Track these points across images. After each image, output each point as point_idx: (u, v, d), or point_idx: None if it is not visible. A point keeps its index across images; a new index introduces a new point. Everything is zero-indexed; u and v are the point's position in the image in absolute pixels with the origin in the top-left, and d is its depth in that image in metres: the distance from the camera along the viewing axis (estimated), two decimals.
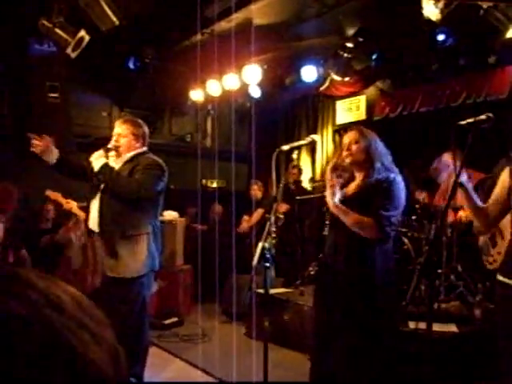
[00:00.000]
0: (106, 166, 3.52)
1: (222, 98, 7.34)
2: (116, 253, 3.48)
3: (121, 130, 3.71)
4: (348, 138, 3.15)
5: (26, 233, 6.39)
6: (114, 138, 3.70)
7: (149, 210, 3.61)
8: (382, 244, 2.98)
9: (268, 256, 2.86)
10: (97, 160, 3.55)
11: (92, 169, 3.56)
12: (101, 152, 3.59)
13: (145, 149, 3.76)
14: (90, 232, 3.75)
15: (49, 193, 4.94)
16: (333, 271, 3.07)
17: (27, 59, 6.09)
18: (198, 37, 5.81)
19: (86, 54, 5.62)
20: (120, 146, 3.66)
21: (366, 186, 3.03)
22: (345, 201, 3.05)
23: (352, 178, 3.20)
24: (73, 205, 4.59)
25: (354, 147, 3.09)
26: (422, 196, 5.38)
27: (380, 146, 3.13)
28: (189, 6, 4.90)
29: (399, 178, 3.04)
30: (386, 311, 3.00)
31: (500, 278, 2.49)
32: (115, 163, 3.65)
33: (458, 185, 2.39)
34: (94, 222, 3.61)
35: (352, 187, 3.14)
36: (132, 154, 3.68)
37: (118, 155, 3.68)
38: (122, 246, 3.49)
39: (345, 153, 3.11)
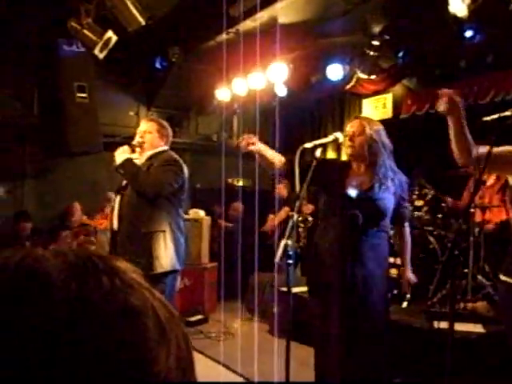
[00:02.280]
0: (127, 161, 3.58)
1: (247, 97, 7.35)
2: (131, 251, 3.50)
3: (146, 127, 3.78)
4: (351, 127, 3.13)
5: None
6: (138, 135, 3.77)
7: (168, 208, 3.63)
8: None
9: (291, 253, 2.87)
10: (120, 155, 3.62)
11: (115, 162, 3.63)
12: (125, 147, 3.65)
13: (166, 147, 3.82)
14: (112, 232, 3.80)
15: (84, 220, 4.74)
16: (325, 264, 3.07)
17: (56, 60, 6.20)
18: (224, 36, 5.83)
19: (114, 54, 5.70)
20: (144, 142, 3.73)
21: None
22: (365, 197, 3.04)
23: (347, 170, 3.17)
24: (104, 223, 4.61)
25: (357, 139, 3.06)
26: (447, 201, 5.32)
27: (386, 141, 3.10)
28: (214, 6, 4.93)
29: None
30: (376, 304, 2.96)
31: (502, 277, 2.46)
32: (138, 159, 3.71)
33: (481, 183, 2.37)
34: (114, 220, 3.67)
35: (364, 181, 3.10)
36: (154, 151, 3.73)
37: (142, 151, 3.74)
38: (137, 244, 3.52)
39: (347, 143, 3.09)
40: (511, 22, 4.99)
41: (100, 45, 5.39)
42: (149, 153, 3.75)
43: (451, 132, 2.52)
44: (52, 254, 0.47)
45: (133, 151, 3.74)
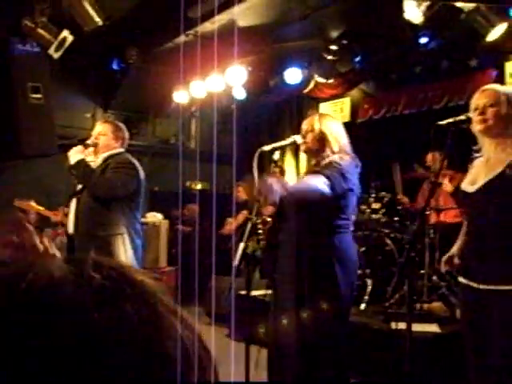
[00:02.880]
0: (81, 161, 3.53)
1: (206, 100, 7.32)
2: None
3: (101, 129, 3.74)
4: (305, 124, 3.14)
5: None
6: (93, 137, 3.72)
7: (124, 211, 3.58)
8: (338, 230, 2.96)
9: (250, 257, 2.86)
10: (74, 155, 3.56)
11: (68, 162, 3.57)
12: (79, 148, 3.59)
13: (122, 150, 3.77)
14: (68, 236, 3.73)
15: (18, 203, 4.54)
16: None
17: (9, 60, 6.02)
18: (182, 38, 5.80)
19: (70, 54, 5.58)
20: (99, 143, 3.68)
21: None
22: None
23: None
24: (61, 214, 4.41)
25: (309, 136, 3.07)
26: (404, 202, 5.41)
27: (339, 135, 3.09)
28: (172, 7, 4.89)
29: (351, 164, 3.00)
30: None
31: (460, 279, 2.53)
32: (93, 162, 3.65)
33: (437, 186, 2.42)
34: (70, 224, 3.60)
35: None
36: (109, 153, 3.68)
37: (96, 153, 3.68)
38: (95, 247, 3.46)
39: (301, 140, 3.10)
40: (464, 30, 5.14)
41: (55, 44, 5.26)
42: (104, 155, 3.70)
43: None
44: (70, 273, 0.43)
45: (85, 151, 3.69)
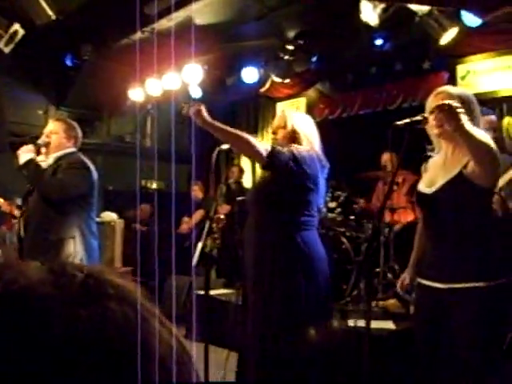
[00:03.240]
0: (31, 161, 3.42)
1: (162, 98, 7.24)
2: (38, 259, 3.33)
3: (53, 127, 3.63)
4: (276, 121, 3.14)
5: None
6: (44, 135, 3.61)
7: (77, 212, 3.49)
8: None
9: (207, 256, 2.84)
10: (24, 154, 3.45)
11: (18, 161, 3.46)
12: (30, 147, 3.48)
13: (74, 149, 3.68)
14: (19, 238, 3.62)
15: None
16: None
17: None
18: (138, 35, 5.71)
19: (21, 49, 5.43)
20: (50, 142, 3.57)
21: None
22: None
23: None
24: (12, 206, 4.31)
25: (279, 132, 3.05)
26: (359, 202, 5.48)
27: (309, 132, 3.09)
28: (129, 3, 4.81)
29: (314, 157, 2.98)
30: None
31: (419, 280, 2.58)
32: (44, 161, 3.55)
33: (392, 186, 2.46)
34: (21, 226, 3.50)
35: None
36: (61, 153, 3.58)
37: (47, 152, 3.58)
38: (45, 251, 3.36)
39: (272, 136, 3.09)
40: (418, 33, 5.25)
41: (6, 38, 5.11)
42: (56, 154, 3.59)
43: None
44: (48, 273, 0.42)
45: (38, 151, 3.58)
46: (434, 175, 2.51)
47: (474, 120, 2.40)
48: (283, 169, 2.84)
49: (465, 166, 2.34)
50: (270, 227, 2.91)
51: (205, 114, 2.79)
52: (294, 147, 2.91)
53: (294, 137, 2.99)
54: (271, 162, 2.82)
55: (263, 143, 2.84)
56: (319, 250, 3.00)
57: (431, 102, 2.48)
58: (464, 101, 2.41)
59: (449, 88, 2.57)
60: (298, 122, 3.06)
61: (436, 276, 2.44)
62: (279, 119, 3.11)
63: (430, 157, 2.65)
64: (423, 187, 2.54)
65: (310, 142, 3.04)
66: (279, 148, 2.86)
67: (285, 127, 3.03)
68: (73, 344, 0.38)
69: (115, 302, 0.41)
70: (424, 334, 2.54)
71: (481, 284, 2.29)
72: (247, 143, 2.84)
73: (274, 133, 3.06)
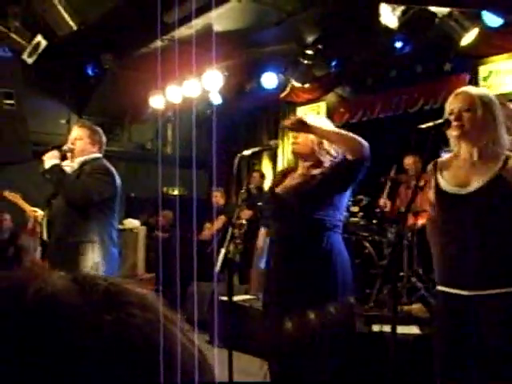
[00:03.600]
0: (55, 166, 3.46)
1: (182, 105, 7.29)
2: (59, 262, 3.37)
3: (77, 133, 3.67)
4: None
5: None
6: (69, 141, 3.65)
7: (99, 218, 3.51)
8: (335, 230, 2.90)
9: (230, 262, 2.83)
10: (49, 159, 3.49)
11: (43, 167, 3.50)
12: (55, 153, 3.52)
13: (98, 155, 3.70)
14: (42, 242, 3.66)
15: (7, 194, 4.75)
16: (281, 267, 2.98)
17: None
18: (158, 43, 5.77)
19: (44, 59, 5.51)
20: (75, 148, 3.61)
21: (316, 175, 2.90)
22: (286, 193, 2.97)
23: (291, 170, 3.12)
24: (39, 213, 4.37)
25: (300, 136, 3.00)
26: (385, 205, 5.41)
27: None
28: (148, 12, 4.86)
29: None
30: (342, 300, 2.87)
31: (441, 288, 2.48)
32: (69, 167, 3.59)
33: (417, 189, 2.42)
34: (44, 230, 3.54)
35: (295, 177, 3.01)
36: (86, 158, 3.62)
37: (73, 158, 3.62)
38: (65, 254, 3.39)
39: (291, 140, 3.04)
40: (438, 34, 5.21)
41: (29, 49, 5.19)
42: (80, 159, 3.63)
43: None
44: (72, 281, 0.43)
45: (64, 157, 3.62)
46: (463, 176, 2.44)
47: (495, 121, 2.36)
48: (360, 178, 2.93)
49: (503, 168, 2.29)
50: (304, 230, 2.86)
51: (307, 120, 2.76)
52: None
53: (320, 141, 2.94)
54: (362, 162, 2.85)
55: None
56: (345, 253, 2.99)
57: (451, 103, 2.44)
58: (485, 102, 2.37)
59: (469, 88, 2.53)
60: (321, 125, 3.03)
61: (461, 283, 2.36)
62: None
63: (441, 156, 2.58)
64: (450, 187, 2.45)
65: (334, 145, 3.01)
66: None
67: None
68: (98, 348, 0.38)
69: (138, 309, 0.42)
70: (449, 343, 2.46)
71: (508, 290, 2.24)
72: (355, 139, 2.83)
73: (296, 137, 3.02)
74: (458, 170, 2.46)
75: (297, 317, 2.78)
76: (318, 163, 2.93)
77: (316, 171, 2.91)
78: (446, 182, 2.47)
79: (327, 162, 2.91)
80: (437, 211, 2.51)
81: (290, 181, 3.02)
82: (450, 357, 2.44)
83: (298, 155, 3.03)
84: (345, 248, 2.99)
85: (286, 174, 3.17)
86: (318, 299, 2.78)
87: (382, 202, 5.40)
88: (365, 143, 2.84)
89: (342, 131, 2.85)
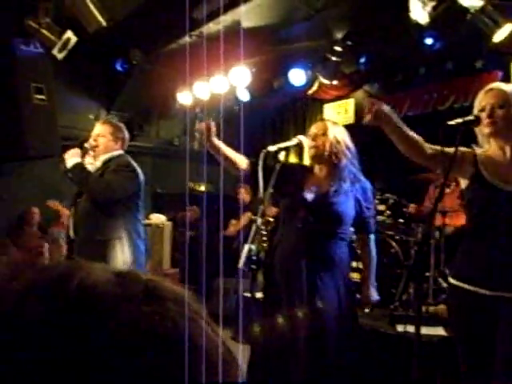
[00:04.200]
0: (77, 165, 3.47)
1: (210, 101, 7.30)
2: (87, 259, 3.38)
3: (99, 130, 3.67)
4: (315, 128, 3.09)
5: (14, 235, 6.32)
6: (92, 138, 3.65)
7: (124, 214, 3.53)
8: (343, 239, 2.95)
9: (254, 258, 2.83)
10: (71, 158, 3.50)
11: (65, 165, 3.51)
12: (76, 150, 3.53)
13: (121, 152, 3.71)
14: (69, 239, 3.69)
15: (50, 203, 5.24)
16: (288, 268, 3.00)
17: (12, 60, 6.01)
18: (187, 39, 5.78)
19: (73, 55, 5.56)
20: (97, 145, 3.61)
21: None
22: (321, 198, 2.98)
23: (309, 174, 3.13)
24: (63, 208, 4.52)
25: (320, 139, 3.02)
26: (409, 207, 5.34)
27: (350, 144, 3.07)
28: (177, 8, 4.87)
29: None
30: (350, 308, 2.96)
31: (453, 281, 2.46)
32: (92, 164, 3.60)
33: (444, 188, 2.37)
34: (71, 228, 3.56)
35: (323, 185, 3.05)
36: (109, 155, 3.62)
37: (95, 155, 3.63)
38: (93, 251, 3.40)
39: (310, 143, 3.04)
40: (470, 30, 5.10)
41: (59, 45, 5.25)
42: (104, 157, 3.63)
43: (392, 138, 2.52)
44: (113, 274, 0.47)
45: (85, 154, 3.63)
46: (505, 173, 2.36)
47: None
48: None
49: None
50: (314, 234, 2.91)
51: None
52: (369, 199, 3.07)
53: (334, 146, 2.97)
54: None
55: (372, 243, 3.08)
56: (349, 260, 3.13)
57: (483, 99, 2.38)
58: None
59: (501, 85, 2.47)
60: (338, 131, 3.06)
61: (483, 282, 2.31)
62: (319, 127, 3.08)
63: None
64: (495, 181, 2.36)
65: (351, 151, 3.03)
66: (373, 226, 3.11)
67: (325, 135, 3.01)
68: (137, 336, 0.42)
69: (172, 302, 0.46)
70: (468, 340, 2.42)
71: None
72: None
73: (314, 139, 3.03)
74: (498, 166, 2.39)
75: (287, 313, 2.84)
76: (335, 166, 3.00)
77: (336, 185, 2.94)
78: (489, 175, 2.39)
79: (343, 163, 2.98)
80: (475, 205, 2.43)
81: (312, 184, 3.05)
82: (470, 357, 2.40)
83: (316, 159, 3.06)
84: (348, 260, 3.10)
85: (308, 170, 3.18)
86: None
87: (407, 206, 5.34)
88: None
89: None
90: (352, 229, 3.21)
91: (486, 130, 2.34)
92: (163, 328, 0.43)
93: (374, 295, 3.10)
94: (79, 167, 3.47)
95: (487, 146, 2.44)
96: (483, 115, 2.33)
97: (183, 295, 0.49)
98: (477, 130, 2.41)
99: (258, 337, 3.06)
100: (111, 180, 3.47)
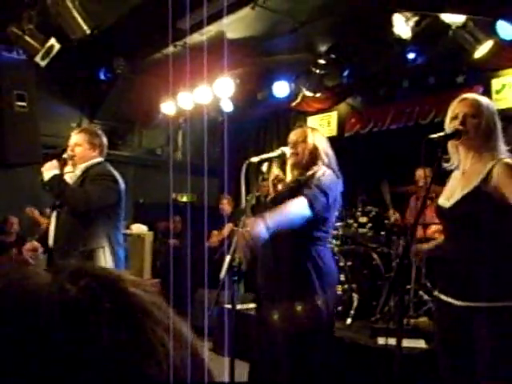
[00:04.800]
0: (55, 177, 3.41)
1: (193, 112, 7.30)
2: None
3: (76, 140, 3.61)
4: (294, 135, 3.09)
5: None
6: (69, 148, 3.60)
7: (106, 223, 3.48)
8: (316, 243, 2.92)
9: (236, 270, 2.81)
10: (48, 171, 3.44)
11: (42, 179, 3.45)
12: (54, 163, 3.47)
13: (100, 159, 3.66)
14: (48, 250, 3.62)
15: (28, 210, 5.28)
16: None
17: None
18: (170, 49, 5.78)
19: (56, 63, 5.53)
20: (75, 155, 3.56)
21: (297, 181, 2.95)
22: (276, 199, 3.00)
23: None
24: (42, 218, 4.47)
25: (299, 146, 3.02)
26: (394, 217, 5.36)
27: (329, 151, 3.07)
28: (161, 18, 4.87)
29: (333, 177, 2.96)
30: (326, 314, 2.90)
31: (435, 292, 2.52)
32: (70, 175, 3.55)
33: (426, 201, 2.39)
34: (50, 238, 3.50)
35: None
36: (89, 163, 3.58)
37: (74, 165, 3.58)
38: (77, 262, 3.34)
39: (290, 151, 3.04)
40: (452, 46, 5.18)
41: (42, 52, 5.21)
42: (82, 166, 3.59)
43: None
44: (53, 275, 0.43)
45: (64, 164, 3.58)
46: (454, 188, 2.42)
47: (496, 131, 2.34)
48: (321, 208, 2.84)
49: (484, 181, 2.26)
50: (288, 241, 2.89)
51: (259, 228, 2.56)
52: (320, 182, 2.87)
53: (314, 153, 2.97)
54: (314, 212, 2.80)
55: (299, 203, 2.79)
56: (332, 266, 3.02)
57: (456, 108, 2.41)
58: (490, 110, 2.36)
59: (475, 95, 2.51)
60: (317, 138, 3.05)
61: (453, 293, 2.36)
62: (299, 134, 3.08)
63: (452, 170, 2.55)
64: (442, 200, 2.46)
65: (329, 158, 3.02)
66: (311, 193, 2.81)
67: (305, 142, 3.00)
68: (72, 344, 0.38)
69: (108, 318, 0.41)
70: (444, 351, 2.45)
71: (498, 304, 2.19)
72: (296, 215, 2.78)
73: (294, 147, 3.03)
74: (453, 181, 2.46)
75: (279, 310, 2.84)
76: (310, 171, 2.97)
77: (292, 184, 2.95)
78: (442, 194, 2.48)
79: (319, 169, 2.94)
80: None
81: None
82: (449, 368, 2.42)
83: (296, 167, 3.07)
84: (331, 258, 3.04)
85: (280, 181, 3.20)
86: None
87: (391, 214, 5.35)
88: (307, 215, 2.75)
89: (290, 214, 2.75)
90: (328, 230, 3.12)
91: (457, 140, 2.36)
92: (85, 357, 0.39)
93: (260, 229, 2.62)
94: (57, 179, 3.41)
95: (456, 158, 2.46)
96: (454, 124, 2.36)
97: (138, 303, 0.44)
98: (449, 143, 2.43)
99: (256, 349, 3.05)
100: (90, 190, 3.41)
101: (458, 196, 2.34)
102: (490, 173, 2.26)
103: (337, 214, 3.17)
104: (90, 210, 3.40)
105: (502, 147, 2.35)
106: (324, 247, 2.98)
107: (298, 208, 2.77)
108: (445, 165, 2.49)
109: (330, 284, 2.95)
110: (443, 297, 2.43)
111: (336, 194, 2.96)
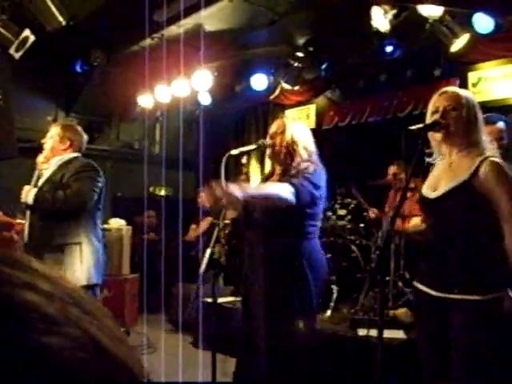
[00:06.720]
0: (37, 195, 3.37)
1: (171, 105, 7.24)
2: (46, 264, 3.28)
3: (50, 133, 3.61)
4: (275, 126, 3.08)
5: None
6: (45, 140, 3.61)
7: (84, 218, 3.44)
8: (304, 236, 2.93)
9: (216, 263, 2.81)
10: (27, 194, 3.41)
11: (27, 205, 3.42)
12: (28, 186, 3.46)
13: (76, 154, 3.62)
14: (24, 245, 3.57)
15: None
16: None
17: None
18: (148, 41, 5.71)
19: (31, 55, 5.43)
20: (45, 148, 3.57)
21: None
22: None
23: (271, 175, 3.15)
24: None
25: (278, 138, 3.02)
26: (374, 214, 5.39)
27: (308, 144, 3.05)
28: (138, 10, 4.81)
29: (320, 171, 2.98)
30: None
31: (414, 282, 2.55)
32: (46, 168, 3.52)
33: (406, 193, 2.40)
34: (25, 233, 3.44)
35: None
36: (65, 158, 3.53)
37: (46, 157, 3.56)
38: (50, 257, 3.29)
39: (269, 141, 3.04)
40: (429, 40, 5.21)
41: (16, 44, 5.11)
42: (55, 160, 3.54)
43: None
44: None
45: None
46: (438, 179, 2.43)
47: (478, 123, 2.36)
48: (309, 200, 2.85)
49: (474, 175, 2.27)
50: (276, 236, 2.90)
51: (236, 191, 2.53)
52: (309, 174, 2.88)
53: (292, 146, 2.96)
54: (300, 202, 2.80)
55: (284, 187, 2.78)
56: (321, 258, 3.05)
57: (436, 101, 2.43)
58: (470, 102, 2.38)
59: (455, 88, 2.54)
60: (296, 130, 3.04)
61: (429, 283, 2.39)
62: (278, 125, 3.07)
63: (433, 163, 2.56)
64: (426, 191, 2.46)
65: (308, 151, 3.01)
66: (300, 183, 2.81)
67: (283, 133, 3.00)
68: None
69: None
70: (424, 339, 2.48)
71: (471, 297, 2.22)
72: (275, 195, 2.77)
73: (272, 138, 3.03)
74: (436, 173, 2.47)
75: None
76: (290, 167, 2.96)
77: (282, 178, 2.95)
78: (425, 184, 2.49)
79: (299, 165, 2.93)
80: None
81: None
82: (429, 357, 2.45)
83: (274, 159, 3.07)
84: (320, 252, 3.05)
85: (267, 178, 3.20)
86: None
87: (370, 213, 5.38)
88: (290, 200, 2.75)
89: (271, 192, 2.77)
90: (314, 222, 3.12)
91: (436, 136, 2.38)
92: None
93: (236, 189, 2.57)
94: (40, 196, 3.38)
95: (437, 150, 2.48)
96: (436, 116, 2.37)
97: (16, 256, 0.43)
98: (429, 134, 2.44)
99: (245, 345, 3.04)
100: (79, 188, 3.37)
101: (444, 188, 2.35)
102: (477, 169, 2.27)
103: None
104: (83, 206, 3.37)
105: (485, 140, 2.36)
106: (312, 240, 3.00)
107: (279, 190, 2.77)
108: (427, 159, 2.50)
109: (319, 276, 2.97)
110: (420, 286, 2.45)
111: (322, 185, 2.97)
